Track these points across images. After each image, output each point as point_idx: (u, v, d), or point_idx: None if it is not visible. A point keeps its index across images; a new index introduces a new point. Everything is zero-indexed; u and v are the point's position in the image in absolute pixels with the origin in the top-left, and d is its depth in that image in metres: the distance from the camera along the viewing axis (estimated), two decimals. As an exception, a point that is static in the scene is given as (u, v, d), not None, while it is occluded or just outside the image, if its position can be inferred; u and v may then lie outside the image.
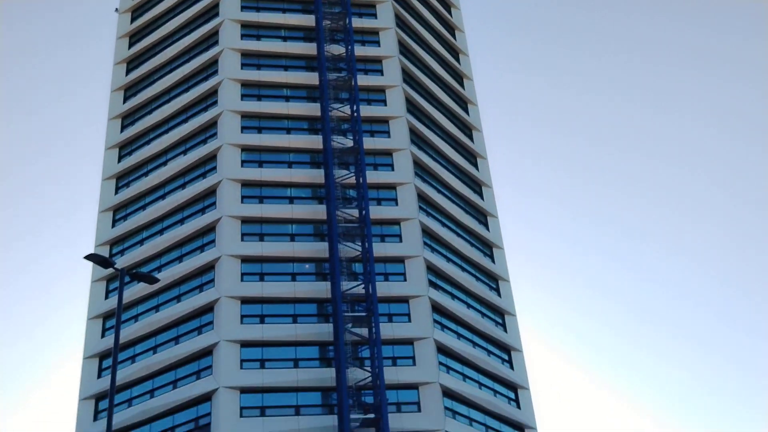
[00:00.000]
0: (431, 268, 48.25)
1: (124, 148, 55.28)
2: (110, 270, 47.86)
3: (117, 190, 53.86)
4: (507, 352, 51.85)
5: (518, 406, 50.13)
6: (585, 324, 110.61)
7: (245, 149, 49.61)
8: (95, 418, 46.34)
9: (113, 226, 52.53)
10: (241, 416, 41.52)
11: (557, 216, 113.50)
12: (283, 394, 42.70)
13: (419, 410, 43.12)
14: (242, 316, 44.42)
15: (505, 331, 52.45)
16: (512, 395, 50.42)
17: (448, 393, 44.66)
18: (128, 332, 46.93)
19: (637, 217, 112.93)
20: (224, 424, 40.88)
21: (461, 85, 62.12)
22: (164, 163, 52.38)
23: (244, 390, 42.24)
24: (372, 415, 41.13)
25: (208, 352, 43.72)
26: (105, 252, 51.10)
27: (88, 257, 26.52)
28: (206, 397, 42.41)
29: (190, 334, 45.37)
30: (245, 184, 48.42)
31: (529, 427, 49.70)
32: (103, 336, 48.73)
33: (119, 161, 54.80)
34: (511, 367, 51.20)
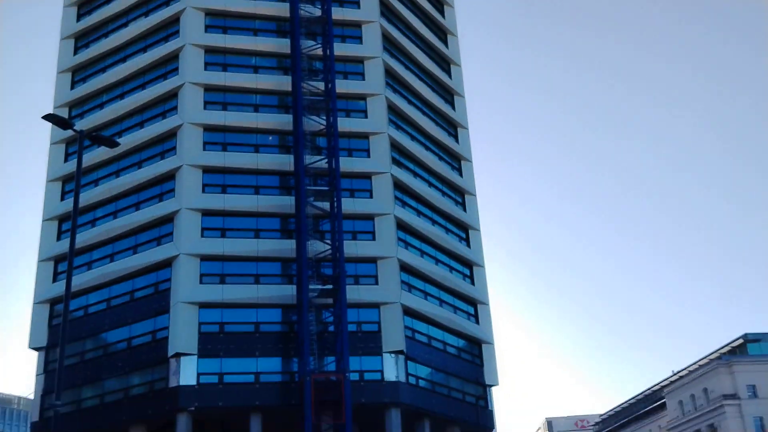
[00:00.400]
0: (395, 146, 48.24)
1: (84, 6, 53.12)
2: (69, 132, 46.96)
3: (76, 50, 52.13)
4: (464, 230, 52.85)
5: (472, 283, 51.63)
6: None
7: (209, 14, 48.07)
8: (54, 280, 46.68)
9: (72, 88, 51.20)
10: (200, 282, 42.18)
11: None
12: (244, 263, 43.30)
13: (376, 283, 44.18)
14: (204, 185, 44.31)
15: (464, 210, 53.27)
16: (467, 272, 51.82)
17: (405, 267, 45.68)
18: (88, 196, 46.62)
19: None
20: (183, 289, 41.53)
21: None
22: (125, 25, 50.64)
23: (204, 257, 42.69)
24: (330, 286, 42.10)
25: (169, 219, 43.82)
26: (64, 114, 49.98)
27: (46, 117, 25.91)
28: (167, 263, 42.84)
29: (151, 200, 45.29)
30: (209, 50, 47.18)
31: (481, 302, 51.42)
32: (62, 199, 48.42)
33: (78, 20, 52.77)
34: (468, 246, 52.37)
